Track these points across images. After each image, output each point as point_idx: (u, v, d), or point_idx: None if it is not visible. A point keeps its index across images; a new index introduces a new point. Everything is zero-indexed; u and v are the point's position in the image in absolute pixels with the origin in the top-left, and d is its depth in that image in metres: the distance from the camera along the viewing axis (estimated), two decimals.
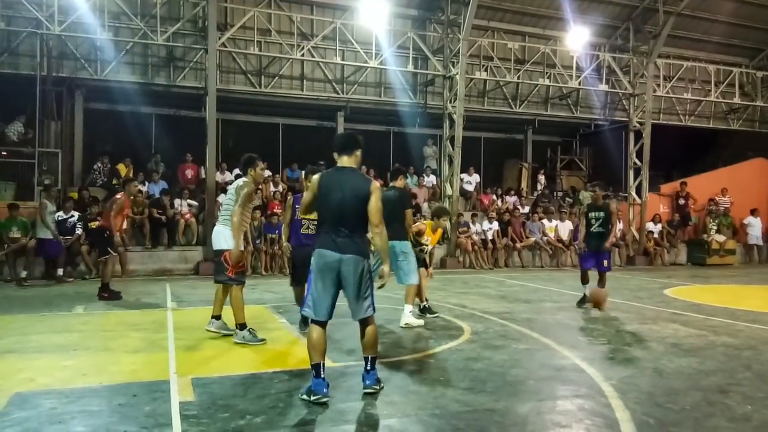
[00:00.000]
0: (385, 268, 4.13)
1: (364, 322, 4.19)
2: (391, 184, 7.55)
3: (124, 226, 10.64)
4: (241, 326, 5.78)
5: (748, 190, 17.93)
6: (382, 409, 3.87)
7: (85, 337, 6.02)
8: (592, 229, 8.29)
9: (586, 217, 8.42)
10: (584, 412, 3.87)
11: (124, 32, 13.32)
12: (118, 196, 8.85)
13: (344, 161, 4.20)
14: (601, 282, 8.19)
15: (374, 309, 4.20)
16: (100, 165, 13.97)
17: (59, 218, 11.26)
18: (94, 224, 11.60)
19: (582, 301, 8.26)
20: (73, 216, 11.42)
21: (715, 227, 16.84)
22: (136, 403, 3.92)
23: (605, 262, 8.23)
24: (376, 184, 4.11)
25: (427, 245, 7.59)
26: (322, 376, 3.99)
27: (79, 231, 11.37)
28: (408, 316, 6.74)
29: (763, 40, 18.76)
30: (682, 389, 4.40)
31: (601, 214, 8.23)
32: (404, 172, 7.91)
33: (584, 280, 8.31)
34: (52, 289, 9.93)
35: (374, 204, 4.01)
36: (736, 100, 18.31)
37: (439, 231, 8.04)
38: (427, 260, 7.79)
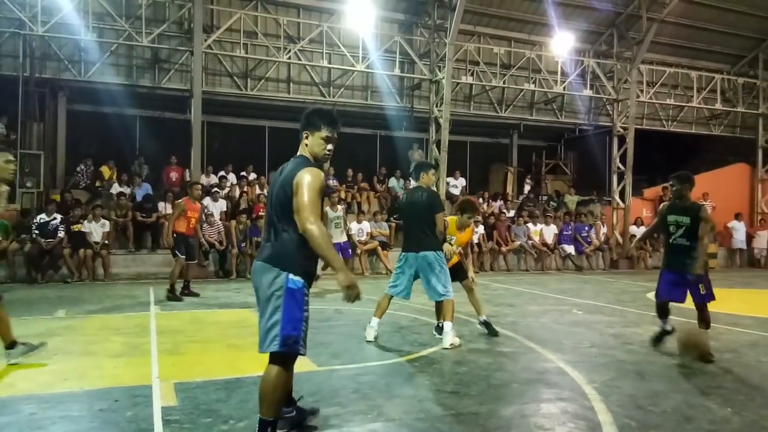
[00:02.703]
0: (340, 277, 2.99)
1: (270, 359, 3.12)
2: (415, 184, 6.28)
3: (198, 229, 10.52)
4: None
5: (729, 194, 18.20)
6: (366, 414, 3.86)
7: (66, 342, 5.95)
8: (671, 239, 5.75)
9: (663, 221, 5.85)
10: (567, 415, 3.90)
11: (108, 33, 13.20)
12: (181, 200, 9.25)
13: (300, 149, 3.32)
14: (702, 319, 5.63)
15: (294, 345, 3.03)
16: (83, 167, 13.84)
17: (41, 221, 11.13)
18: (77, 227, 11.52)
19: (659, 339, 5.98)
20: (55, 219, 11.28)
21: None
22: (117, 408, 3.88)
23: (702, 288, 5.55)
24: (307, 171, 3.07)
25: (452, 246, 6.29)
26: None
27: (61, 234, 11.24)
28: (450, 335, 5.82)
29: (744, 47, 19.07)
30: (663, 392, 4.45)
31: (686, 219, 5.64)
32: (431, 165, 6.51)
33: (662, 313, 5.97)
34: (33, 292, 9.80)
35: (298, 196, 3.01)
36: (718, 106, 18.58)
37: (469, 230, 6.60)
38: (464, 263, 6.59)
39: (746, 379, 4.85)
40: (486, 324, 6.46)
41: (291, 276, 3.02)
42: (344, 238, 11.44)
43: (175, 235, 8.98)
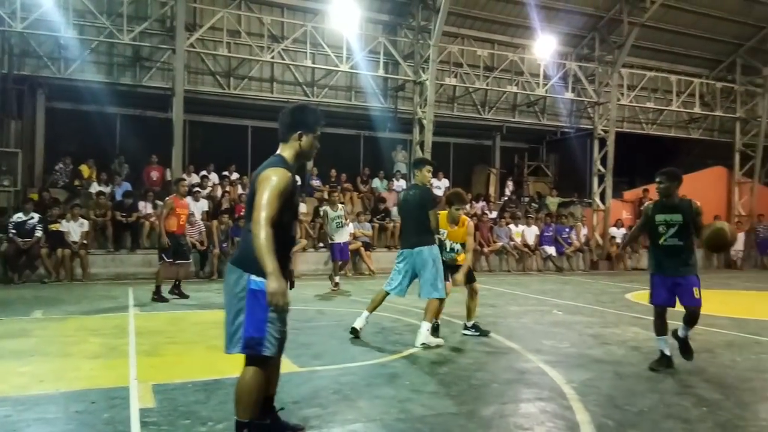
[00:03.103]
0: (268, 282, 2.79)
1: (245, 361, 3.08)
2: (412, 182, 6.43)
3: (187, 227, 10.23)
4: None
5: (707, 197, 18.41)
6: (346, 414, 3.86)
7: (43, 343, 5.86)
8: (660, 240, 5.25)
9: (650, 222, 5.33)
10: (546, 415, 3.94)
11: (89, 31, 13.02)
12: (168, 198, 9.09)
13: (281, 148, 3.23)
14: (689, 320, 5.20)
15: (257, 347, 2.97)
16: (62, 166, 13.66)
17: (18, 220, 10.95)
18: (55, 226, 11.35)
19: (660, 364, 5.19)
20: (33, 218, 11.11)
21: None
22: (94, 410, 3.83)
23: (695, 291, 5.11)
24: (272, 171, 3.00)
25: (442, 240, 6.22)
26: None
27: (38, 233, 11.06)
28: (425, 334, 5.83)
29: (723, 51, 19.40)
30: (640, 391, 4.51)
31: (677, 217, 5.17)
32: (426, 162, 6.44)
33: (660, 328, 5.27)
34: (10, 292, 9.64)
35: (258, 195, 2.93)
36: (697, 109, 18.87)
37: (465, 226, 6.33)
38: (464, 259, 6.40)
39: (722, 379, 4.94)
40: (474, 327, 6.51)
41: (253, 277, 2.95)
42: (345, 238, 11.32)
43: (166, 234, 8.84)
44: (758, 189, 19.55)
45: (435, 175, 16.46)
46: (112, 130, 15.52)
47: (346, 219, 11.59)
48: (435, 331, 6.16)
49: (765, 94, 19.05)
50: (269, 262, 2.78)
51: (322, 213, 11.55)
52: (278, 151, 3.21)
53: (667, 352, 5.23)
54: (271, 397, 3.38)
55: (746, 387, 4.62)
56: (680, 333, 5.28)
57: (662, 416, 3.95)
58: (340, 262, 11.10)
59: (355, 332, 6.20)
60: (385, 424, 3.70)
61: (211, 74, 14.63)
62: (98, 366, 5.01)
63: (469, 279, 6.45)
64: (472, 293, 6.53)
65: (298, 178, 11.73)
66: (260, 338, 2.96)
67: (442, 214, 6.31)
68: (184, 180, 9.84)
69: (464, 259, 6.36)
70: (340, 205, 11.27)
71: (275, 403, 3.43)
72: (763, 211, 19.02)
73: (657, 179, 5.34)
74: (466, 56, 16.54)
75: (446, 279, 6.13)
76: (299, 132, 3.18)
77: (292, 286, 3.51)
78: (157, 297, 8.81)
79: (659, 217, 5.28)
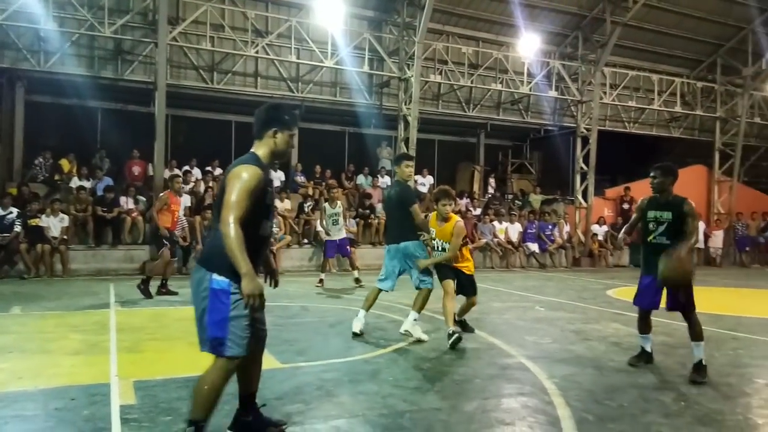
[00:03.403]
0: (243, 283, 2.78)
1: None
2: (395, 179, 6.53)
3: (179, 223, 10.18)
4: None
5: (687, 195, 18.32)
6: (329, 410, 3.86)
7: (21, 339, 5.79)
8: (649, 238, 5.08)
9: (642, 218, 5.17)
10: (527, 410, 3.97)
11: (69, 23, 12.82)
12: (162, 193, 8.99)
13: (255, 145, 3.19)
14: (691, 327, 4.92)
15: (219, 347, 2.92)
16: (41, 160, 13.45)
17: None
18: (34, 221, 11.19)
19: (638, 360, 5.24)
20: (11, 213, 10.94)
21: None
22: (74, 407, 3.79)
23: (681, 295, 4.88)
24: (243, 168, 2.94)
25: (433, 240, 6.14)
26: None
27: (17, 228, 10.90)
28: (410, 323, 5.98)
29: (704, 51, 19.65)
30: (620, 386, 4.57)
31: (667, 215, 4.98)
32: (405, 158, 6.49)
33: (643, 328, 5.23)
34: None
35: (227, 193, 2.87)
36: (678, 108, 19.11)
37: (452, 222, 6.10)
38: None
39: None
40: (461, 323, 6.49)
41: (215, 276, 2.90)
42: (343, 235, 11.27)
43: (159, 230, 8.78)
44: (737, 187, 19.87)
45: (419, 172, 16.50)
46: (93, 124, 15.30)
47: (344, 217, 11.54)
48: (456, 339, 5.72)
49: (744, 94, 19.35)
50: (242, 263, 2.74)
51: (320, 208, 11.54)
52: (252, 149, 3.15)
53: (648, 349, 5.26)
54: (253, 394, 3.37)
55: (723, 382, 4.70)
56: (694, 353, 4.87)
57: (641, 411, 4.01)
58: (330, 259, 11.11)
59: (356, 335, 6.15)
60: (368, 420, 3.71)
61: (194, 68, 14.50)
62: (78, 363, 4.95)
63: (469, 292, 6.35)
64: (471, 304, 6.49)
65: (281, 174, 11.74)
66: (222, 338, 2.90)
67: (433, 213, 6.24)
68: (180, 177, 9.77)
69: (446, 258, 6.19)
70: (339, 202, 11.22)
71: (257, 400, 3.42)
72: (741, 210, 19.35)
73: (651, 174, 5.13)
74: (451, 53, 16.57)
75: (449, 277, 6.11)
76: (274, 129, 3.13)
77: (275, 285, 3.50)
78: (144, 288, 8.59)
79: (650, 214, 5.09)
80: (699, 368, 4.83)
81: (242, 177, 2.88)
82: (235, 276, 2.84)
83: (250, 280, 2.75)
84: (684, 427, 3.72)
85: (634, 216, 5.46)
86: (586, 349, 5.92)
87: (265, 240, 3.18)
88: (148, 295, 8.59)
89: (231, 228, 2.77)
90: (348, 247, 11.41)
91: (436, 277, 6.15)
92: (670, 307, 4.96)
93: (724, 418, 3.94)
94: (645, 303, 5.12)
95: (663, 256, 4.72)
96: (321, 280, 10.69)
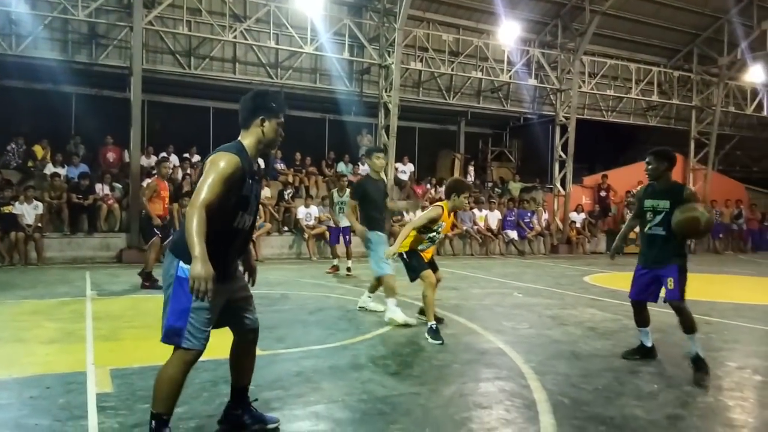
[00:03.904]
0: (193, 268, 2.58)
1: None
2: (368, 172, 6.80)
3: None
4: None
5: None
6: (308, 396, 3.87)
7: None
8: (645, 228, 4.84)
9: (639, 207, 4.96)
10: (504, 394, 4.03)
11: (42, 5, 12.50)
12: (150, 180, 8.70)
13: (242, 134, 3.07)
14: (682, 320, 4.67)
15: (175, 338, 2.80)
16: (14, 146, 13.16)
17: None
18: (7, 209, 10.97)
19: (634, 353, 5.04)
20: None
21: None
22: (49, 396, 3.75)
23: (670, 282, 4.65)
24: (221, 155, 2.84)
25: (437, 234, 5.88)
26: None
27: None
28: (393, 309, 6.08)
29: (681, 41, 19.88)
30: (596, 370, 4.65)
31: (663, 204, 4.71)
32: (374, 150, 6.76)
33: (640, 320, 5.02)
34: None
35: (202, 178, 2.80)
36: (655, 97, 19.34)
37: (452, 215, 6.12)
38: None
39: (672, 357, 5.11)
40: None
41: (182, 264, 2.77)
42: (347, 223, 11.22)
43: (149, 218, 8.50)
44: (711, 175, 20.23)
45: (400, 160, 16.50)
46: (68, 109, 15.00)
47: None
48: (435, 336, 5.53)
49: (720, 84, 19.64)
50: (196, 246, 2.59)
51: (328, 196, 11.72)
52: (239, 138, 3.04)
53: (647, 343, 5.01)
54: (245, 388, 3.31)
55: None
56: (691, 348, 4.60)
57: (616, 394, 4.08)
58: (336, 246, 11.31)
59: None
60: (347, 405, 3.73)
61: (170, 53, 14.26)
62: (54, 351, 4.89)
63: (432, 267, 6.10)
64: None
65: (260, 162, 11.47)
66: (179, 329, 2.78)
67: (445, 204, 5.78)
68: (168, 161, 9.49)
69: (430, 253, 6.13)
70: (347, 191, 11.18)
71: (249, 394, 3.36)
72: (716, 197, 19.70)
73: (646, 159, 4.88)
74: (432, 41, 16.53)
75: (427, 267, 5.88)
76: (261, 117, 3.01)
77: (252, 284, 3.39)
78: (150, 284, 8.24)
79: (647, 203, 4.82)
80: (699, 364, 4.52)
81: (218, 164, 2.79)
82: None
83: (200, 264, 2.56)
84: (657, 409, 3.80)
85: (632, 213, 5.24)
86: (562, 334, 6.00)
87: (243, 234, 3.01)
88: (156, 285, 8.05)
89: (195, 210, 2.65)
90: (341, 236, 11.48)
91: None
92: (666, 297, 4.69)
93: (696, 400, 4.04)
94: (633, 293, 4.96)
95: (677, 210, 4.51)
96: (334, 266, 10.82)
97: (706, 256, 17.87)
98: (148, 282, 8.32)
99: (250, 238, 3.19)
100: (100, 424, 3.30)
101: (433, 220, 5.69)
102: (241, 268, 3.28)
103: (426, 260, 5.94)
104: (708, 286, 11.02)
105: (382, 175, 6.85)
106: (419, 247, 5.87)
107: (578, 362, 4.91)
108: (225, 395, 3.80)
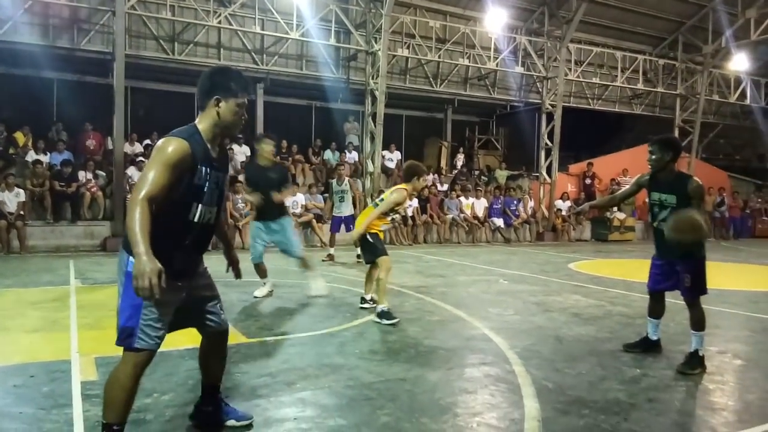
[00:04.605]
0: (136, 265, 2.32)
1: None
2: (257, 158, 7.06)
3: None
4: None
5: (647, 171, 19.19)
6: (295, 383, 3.88)
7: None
8: (654, 222, 4.61)
9: (632, 193, 4.98)
10: (490, 379, 4.07)
11: None
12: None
13: (199, 117, 2.81)
14: (692, 315, 4.47)
15: (128, 339, 2.60)
16: None
17: None
18: None
19: (635, 346, 4.86)
20: None
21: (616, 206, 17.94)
22: (33, 384, 3.72)
23: (687, 279, 4.42)
24: (167, 140, 2.61)
25: (399, 213, 6.33)
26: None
27: None
28: (316, 285, 6.89)
29: (666, 29, 19.97)
30: (579, 355, 4.71)
31: (671, 198, 4.46)
32: (268, 136, 6.98)
33: (654, 310, 4.84)
34: None
35: (145, 167, 2.57)
36: (640, 86, 19.44)
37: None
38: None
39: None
40: (372, 301, 6.21)
41: (131, 259, 2.45)
42: (349, 212, 11.19)
43: None
44: (695, 164, 20.43)
45: (387, 147, 16.46)
46: (49, 95, 14.77)
47: (355, 193, 11.41)
48: (363, 301, 6.39)
49: (704, 72, 19.78)
50: (138, 242, 2.33)
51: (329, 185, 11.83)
52: (195, 121, 2.77)
53: (653, 337, 4.79)
54: (216, 387, 3.15)
55: (677, 350, 4.87)
56: (692, 344, 4.42)
57: (599, 378, 4.14)
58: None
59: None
60: (334, 392, 3.74)
61: (154, 39, 14.05)
62: (38, 340, 4.85)
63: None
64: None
65: (246, 149, 11.48)
66: (131, 329, 2.57)
67: (404, 186, 5.97)
68: None
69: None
70: (346, 180, 11.18)
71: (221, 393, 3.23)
72: None
73: (648, 149, 4.55)
74: (419, 27, 16.45)
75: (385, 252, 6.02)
76: (216, 98, 2.72)
77: (238, 277, 3.33)
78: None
79: (654, 195, 4.57)
80: (692, 358, 4.38)
81: (163, 150, 2.53)
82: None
83: (142, 261, 2.29)
84: (639, 393, 3.86)
85: (626, 189, 5.08)
86: (547, 320, 6.06)
87: (203, 227, 2.74)
88: None
89: (135, 204, 2.39)
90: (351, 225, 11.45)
91: None
92: (683, 295, 4.51)
93: (677, 384, 4.11)
94: (650, 284, 4.78)
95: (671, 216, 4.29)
96: (329, 255, 10.79)
97: None
98: None
99: (215, 231, 2.89)
100: (85, 411, 3.29)
101: (399, 203, 6.00)
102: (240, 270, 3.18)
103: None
104: None
105: (274, 160, 7.12)
106: (381, 228, 6.08)
107: (562, 347, 4.97)
108: (172, 384, 3.78)
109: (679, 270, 4.48)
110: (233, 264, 3.30)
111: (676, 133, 20.27)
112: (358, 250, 10.76)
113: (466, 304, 6.85)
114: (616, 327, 5.75)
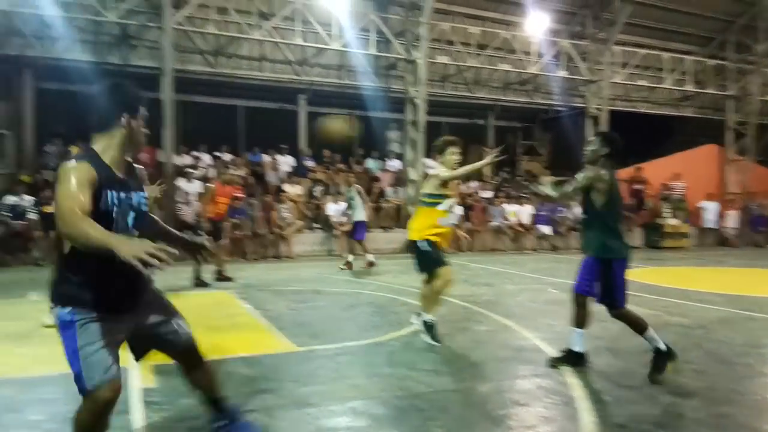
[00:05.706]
0: (121, 251, 2.11)
1: None
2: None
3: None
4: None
5: (699, 175, 18.58)
6: (345, 393, 3.88)
7: (39, 324, 5.83)
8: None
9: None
10: (542, 391, 3.98)
11: (74, 8, 12.76)
12: (211, 184, 9.36)
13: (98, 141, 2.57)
14: (628, 324, 4.51)
15: (77, 382, 2.46)
16: (53, 147, 13.49)
17: (11, 203, 10.89)
18: (47, 209, 11.27)
19: (562, 360, 4.55)
20: (25, 200, 11.03)
21: (669, 212, 17.42)
22: None
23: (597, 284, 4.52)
24: (64, 168, 2.38)
25: (450, 201, 5.26)
26: None
27: (32, 216, 10.99)
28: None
29: (714, 28, 19.34)
30: (635, 367, 4.55)
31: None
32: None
33: (573, 318, 4.64)
34: (5, 275, 9.59)
35: (55, 201, 2.37)
36: (688, 87, 18.86)
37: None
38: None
39: (716, 354, 4.99)
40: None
41: (58, 310, 2.44)
42: (360, 217, 11.19)
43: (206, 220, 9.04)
44: (751, 167, 19.64)
45: (429, 155, 16.41)
46: None
47: (363, 198, 11.44)
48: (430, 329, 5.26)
49: (757, 72, 19.05)
50: (107, 241, 2.14)
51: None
52: (90, 145, 2.54)
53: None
54: (218, 399, 3.04)
55: (742, 362, 4.68)
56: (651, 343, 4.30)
57: (658, 391, 4.00)
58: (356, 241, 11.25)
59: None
60: (384, 401, 3.73)
61: (199, 53, 14.42)
62: None
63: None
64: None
65: (290, 159, 11.60)
66: (78, 373, 2.44)
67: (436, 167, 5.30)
68: (230, 168, 9.95)
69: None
70: (353, 187, 11.30)
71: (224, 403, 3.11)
72: (755, 189, 19.13)
73: (589, 139, 4.59)
74: (458, 34, 16.39)
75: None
76: (125, 116, 2.55)
77: (205, 260, 3.30)
78: (222, 277, 9.05)
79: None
80: (657, 358, 4.23)
81: (66, 173, 2.34)
82: (75, 301, 2.43)
83: (122, 244, 2.11)
84: (703, 407, 3.71)
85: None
86: (600, 330, 5.87)
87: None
88: (229, 279, 9.08)
89: (72, 230, 2.21)
90: (364, 231, 11.46)
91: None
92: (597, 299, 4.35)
93: (743, 397, 3.93)
94: (575, 285, 4.61)
95: None
96: (347, 263, 10.80)
97: (747, 250, 17.38)
98: (221, 277, 9.10)
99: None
100: (147, 419, 3.37)
101: (442, 184, 5.16)
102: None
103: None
104: (751, 280, 10.74)
105: None
106: (438, 220, 5.16)
107: (617, 359, 4.83)
108: (265, 390, 3.85)
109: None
110: (184, 245, 3.01)
111: (730, 136, 19.59)
112: (350, 258, 10.77)
113: (514, 313, 6.74)
114: (673, 337, 5.51)
